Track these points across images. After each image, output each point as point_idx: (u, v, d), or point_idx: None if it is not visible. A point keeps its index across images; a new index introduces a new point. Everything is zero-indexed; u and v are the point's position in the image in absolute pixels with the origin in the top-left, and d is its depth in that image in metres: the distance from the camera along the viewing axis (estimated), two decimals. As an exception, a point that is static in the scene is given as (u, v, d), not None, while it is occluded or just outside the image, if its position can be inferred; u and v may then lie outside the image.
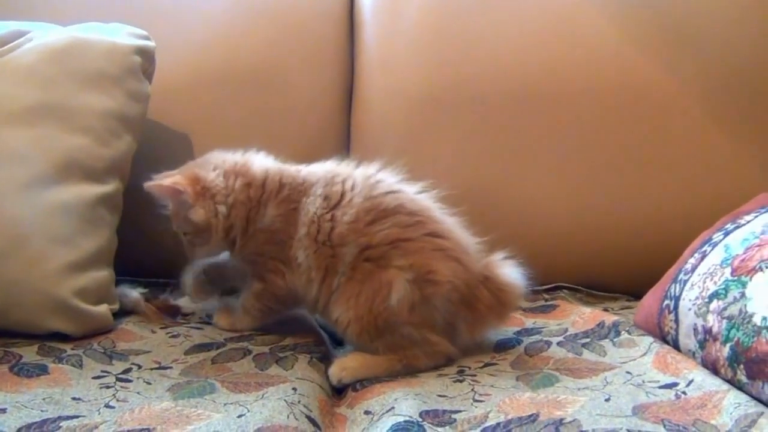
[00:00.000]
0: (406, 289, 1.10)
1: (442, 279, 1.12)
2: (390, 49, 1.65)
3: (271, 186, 1.22)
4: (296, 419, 0.92)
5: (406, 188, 1.21)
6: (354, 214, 1.15)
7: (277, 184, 1.22)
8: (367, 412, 0.98)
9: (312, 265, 1.17)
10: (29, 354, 1.12)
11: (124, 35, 1.41)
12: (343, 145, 1.63)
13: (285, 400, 0.96)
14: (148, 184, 1.21)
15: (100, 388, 1.02)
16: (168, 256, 1.47)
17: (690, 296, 1.13)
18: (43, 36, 1.35)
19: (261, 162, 1.26)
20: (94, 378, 1.05)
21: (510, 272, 1.18)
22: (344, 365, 1.12)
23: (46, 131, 1.27)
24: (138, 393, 1.00)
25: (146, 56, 1.42)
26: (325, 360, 1.17)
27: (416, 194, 1.21)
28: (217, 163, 1.24)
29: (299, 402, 0.97)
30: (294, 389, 1.01)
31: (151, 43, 1.44)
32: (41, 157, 1.25)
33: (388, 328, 1.11)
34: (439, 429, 0.91)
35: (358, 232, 1.14)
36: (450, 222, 1.20)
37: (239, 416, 0.92)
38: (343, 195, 1.17)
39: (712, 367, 1.04)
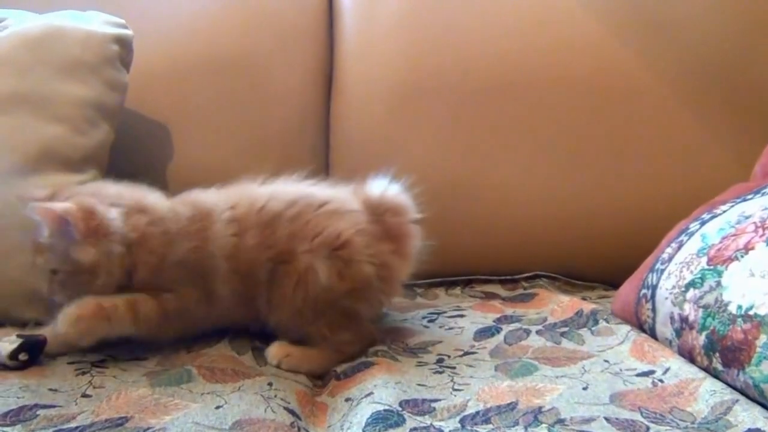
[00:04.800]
0: (326, 264, 1.10)
1: (348, 235, 1.12)
2: (369, 38, 1.65)
3: (177, 219, 1.12)
4: (274, 412, 0.92)
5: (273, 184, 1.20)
6: (256, 234, 1.13)
7: (182, 217, 1.13)
8: (347, 399, 0.98)
9: (236, 295, 1.14)
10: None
11: (101, 24, 1.40)
12: (323, 133, 1.63)
13: (261, 395, 0.96)
14: (34, 204, 1.05)
15: (76, 374, 1.02)
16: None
17: (667, 285, 1.14)
18: (18, 24, 1.34)
19: (157, 198, 1.16)
20: (69, 363, 1.05)
21: (383, 188, 1.20)
22: (287, 351, 1.11)
23: (22, 120, 1.26)
24: (114, 377, 1.00)
25: (124, 45, 1.41)
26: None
27: (283, 183, 1.21)
28: (114, 200, 1.10)
29: (276, 396, 0.96)
30: (270, 384, 1.00)
31: (128, 32, 1.42)
32: (17, 146, 1.24)
33: (328, 306, 1.11)
34: (419, 418, 0.91)
35: (264, 249, 1.12)
36: (322, 189, 1.20)
37: (217, 407, 0.91)
38: (242, 218, 1.14)
39: (689, 356, 1.05)
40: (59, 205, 1.05)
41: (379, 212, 1.18)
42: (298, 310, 1.12)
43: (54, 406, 0.92)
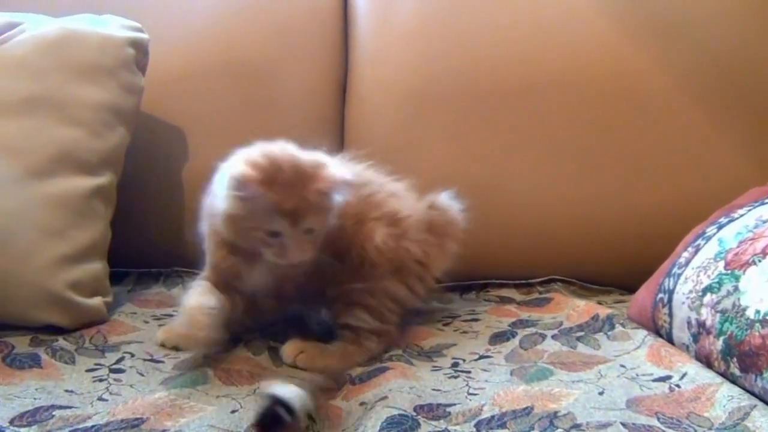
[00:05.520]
0: (383, 230, 1.16)
1: (405, 214, 1.20)
2: (383, 43, 1.65)
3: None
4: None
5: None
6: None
7: None
8: (362, 404, 0.98)
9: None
10: (21, 345, 1.11)
11: (117, 27, 1.41)
12: (337, 138, 1.63)
13: None
14: (336, 177, 1.06)
15: (93, 381, 1.01)
16: (161, 247, 1.48)
17: (684, 290, 1.13)
18: (35, 28, 1.35)
19: None
20: (87, 371, 1.05)
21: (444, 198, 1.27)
22: (301, 348, 1.13)
23: (39, 123, 1.26)
24: (131, 386, 1.00)
25: (140, 48, 1.42)
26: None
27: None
28: None
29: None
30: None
31: (144, 36, 1.43)
32: (34, 149, 1.25)
33: (377, 279, 1.16)
34: (434, 422, 0.91)
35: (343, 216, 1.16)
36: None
37: (232, 411, 0.92)
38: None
39: (706, 361, 1.04)
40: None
41: (431, 210, 1.26)
42: (356, 275, 1.15)
43: (70, 407, 0.92)
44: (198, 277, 1.18)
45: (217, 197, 1.06)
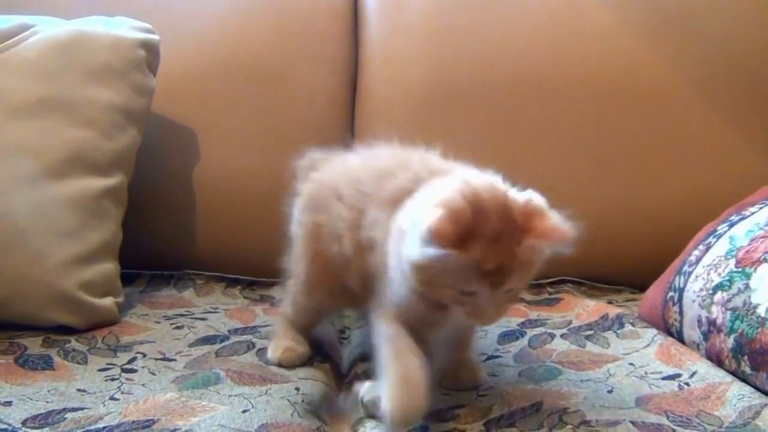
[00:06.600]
0: None
1: None
2: (393, 43, 1.65)
3: None
4: (300, 416, 0.92)
5: None
6: None
7: None
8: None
9: None
10: (34, 346, 1.12)
11: (128, 29, 1.41)
12: (348, 136, 1.63)
13: (288, 400, 0.96)
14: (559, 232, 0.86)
15: (105, 380, 1.02)
16: (172, 250, 1.48)
17: (694, 288, 1.13)
18: (47, 30, 1.35)
19: None
20: (99, 370, 1.06)
21: None
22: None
23: (51, 125, 1.27)
24: (143, 385, 1.01)
25: (151, 50, 1.42)
26: (329, 360, 1.16)
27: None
28: None
29: (302, 401, 0.97)
30: (297, 389, 1.00)
31: (155, 37, 1.44)
32: (46, 150, 1.25)
33: None
34: (442, 424, 0.91)
35: None
36: None
37: (243, 411, 0.92)
38: None
39: (716, 359, 1.04)
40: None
41: None
42: None
43: (82, 409, 0.93)
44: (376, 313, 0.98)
45: (407, 242, 0.85)
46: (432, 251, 0.80)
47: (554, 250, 0.87)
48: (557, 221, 0.86)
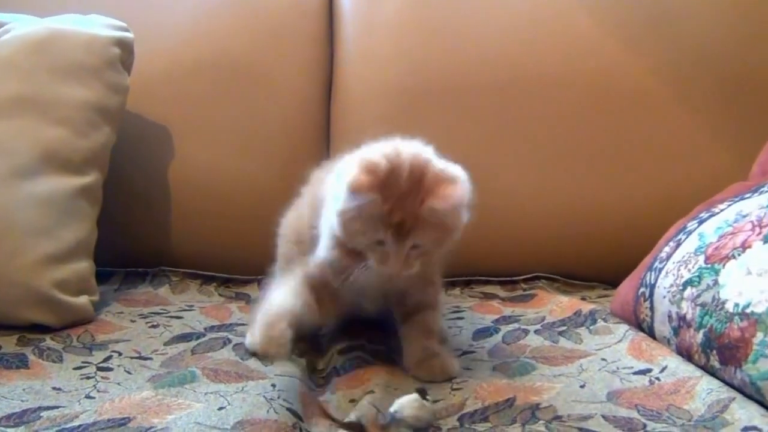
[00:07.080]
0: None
1: None
2: (369, 42, 1.66)
3: None
4: (276, 413, 0.92)
5: None
6: None
7: None
8: (351, 401, 0.98)
9: None
10: (8, 345, 1.12)
11: (102, 27, 1.41)
12: (323, 138, 1.63)
13: (264, 397, 0.96)
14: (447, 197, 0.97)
15: (81, 378, 1.02)
16: (147, 247, 1.47)
17: (665, 284, 1.14)
18: (20, 28, 1.35)
19: None
20: (74, 369, 1.06)
21: None
22: None
23: (25, 123, 1.27)
24: (118, 383, 1.01)
25: (125, 48, 1.42)
26: (306, 355, 1.16)
27: None
28: None
29: (279, 397, 0.97)
30: (273, 386, 1.00)
31: (129, 35, 1.44)
32: (20, 148, 1.25)
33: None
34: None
35: None
36: None
37: (219, 408, 0.92)
38: None
39: (687, 354, 1.06)
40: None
41: None
42: None
43: (57, 407, 0.92)
44: (287, 271, 1.16)
45: (335, 194, 1.00)
46: (350, 199, 0.95)
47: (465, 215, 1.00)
48: (461, 190, 0.98)
